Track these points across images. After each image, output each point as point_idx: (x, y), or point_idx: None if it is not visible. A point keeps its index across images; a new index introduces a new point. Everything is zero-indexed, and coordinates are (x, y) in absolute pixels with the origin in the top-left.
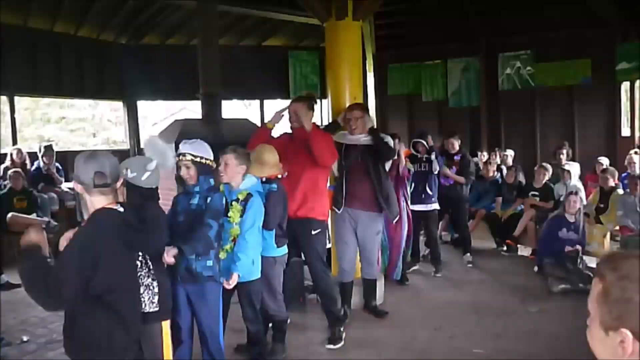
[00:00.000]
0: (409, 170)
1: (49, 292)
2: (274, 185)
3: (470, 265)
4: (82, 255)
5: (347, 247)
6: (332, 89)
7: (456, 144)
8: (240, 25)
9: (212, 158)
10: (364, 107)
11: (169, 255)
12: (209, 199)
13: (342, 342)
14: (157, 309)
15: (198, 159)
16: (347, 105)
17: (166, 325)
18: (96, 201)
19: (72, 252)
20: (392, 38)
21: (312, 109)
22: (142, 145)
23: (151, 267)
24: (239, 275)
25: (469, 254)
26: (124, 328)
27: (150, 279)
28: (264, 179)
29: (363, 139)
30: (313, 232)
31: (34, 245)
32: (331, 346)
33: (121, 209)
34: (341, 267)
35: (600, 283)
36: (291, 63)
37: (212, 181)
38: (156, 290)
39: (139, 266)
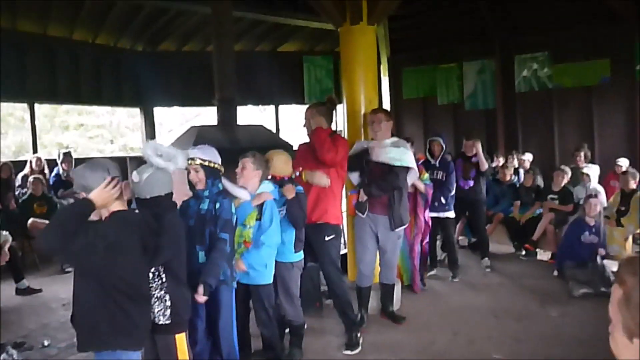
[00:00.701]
0: (427, 183)
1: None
2: (300, 187)
3: (488, 269)
4: (99, 238)
5: (368, 251)
6: (347, 93)
7: (478, 145)
8: (255, 31)
9: (219, 162)
10: (386, 112)
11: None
12: (217, 205)
13: (360, 348)
14: (168, 322)
15: (206, 163)
16: (364, 109)
17: (180, 338)
18: (112, 207)
19: (96, 231)
20: (406, 41)
21: (322, 113)
22: None
23: (164, 279)
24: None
25: (487, 259)
26: (127, 318)
27: (162, 292)
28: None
29: (381, 155)
30: (327, 238)
31: (93, 205)
32: (348, 352)
33: (137, 211)
34: (360, 272)
35: (620, 288)
36: (306, 68)
37: (220, 185)
38: (168, 303)
39: (151, 277)
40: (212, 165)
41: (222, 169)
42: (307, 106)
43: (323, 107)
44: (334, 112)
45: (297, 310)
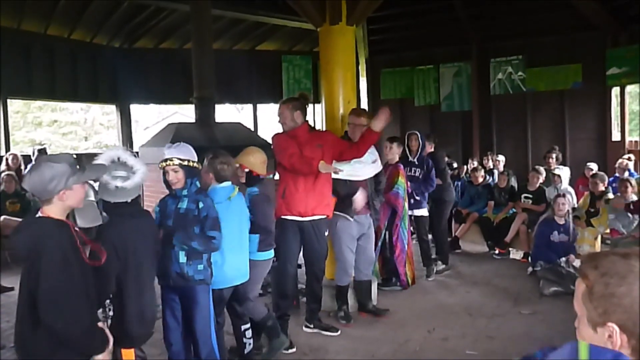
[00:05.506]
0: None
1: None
2: (255, 189)
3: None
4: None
5: (351, 251)
6: (325, 94)
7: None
8: (234, 30)
9: (197, 160)
10: (370, 116)
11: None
12: (201, 204)
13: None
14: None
15: (186, 162)
16: (342, 109)
17: (128, 353)
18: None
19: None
20: (385, 43)
21: (298, 107)
22: (134, 150)
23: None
24: None
25: (439, 263)
26: (58, 343)
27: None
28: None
29: (367, 170)
30: (326, 234)
31: None
32: (330, 334)
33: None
34: (344, 271)
35: (583, 283)
36: (284, 67)
37: (198, 183)
38: (110, 313)
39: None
40: (191, 164)
41: (200, 166)
42: (280, 102)
43: (298, 102)
44: (307, 107)
45: (259, 305)
